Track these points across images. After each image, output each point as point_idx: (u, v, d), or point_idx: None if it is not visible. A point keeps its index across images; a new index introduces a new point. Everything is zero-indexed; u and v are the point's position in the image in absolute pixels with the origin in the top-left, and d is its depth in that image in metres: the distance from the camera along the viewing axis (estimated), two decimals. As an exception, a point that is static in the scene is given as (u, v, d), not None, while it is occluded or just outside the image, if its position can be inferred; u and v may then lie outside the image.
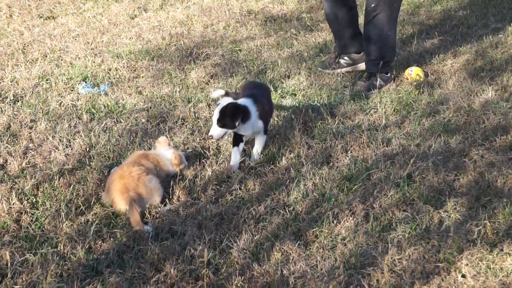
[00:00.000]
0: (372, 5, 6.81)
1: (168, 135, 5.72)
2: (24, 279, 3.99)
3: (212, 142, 5.60)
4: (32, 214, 4.62)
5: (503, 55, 8.07)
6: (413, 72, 7.23)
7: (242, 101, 5.31)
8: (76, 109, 6.23)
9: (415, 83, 7.03)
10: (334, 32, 7.41)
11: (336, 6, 7.14)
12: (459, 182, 5.10)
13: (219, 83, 6.99)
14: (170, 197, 4.87)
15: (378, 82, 6.87)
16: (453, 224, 4.54)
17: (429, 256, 4.25)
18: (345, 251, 4.28)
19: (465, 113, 6.30)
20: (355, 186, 4.97)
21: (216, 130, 5.17)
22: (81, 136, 5.64)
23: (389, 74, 7.09)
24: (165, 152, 5.20)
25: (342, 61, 7.38)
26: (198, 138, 5.73)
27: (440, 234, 4.45)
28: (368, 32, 7.00)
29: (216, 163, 5.28)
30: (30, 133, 5.72)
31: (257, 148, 5.43)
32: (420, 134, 5.86)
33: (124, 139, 5.61)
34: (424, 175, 5.15)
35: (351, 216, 4.63)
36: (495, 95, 6.74)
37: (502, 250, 4.32)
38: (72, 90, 6.65)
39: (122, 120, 6.02)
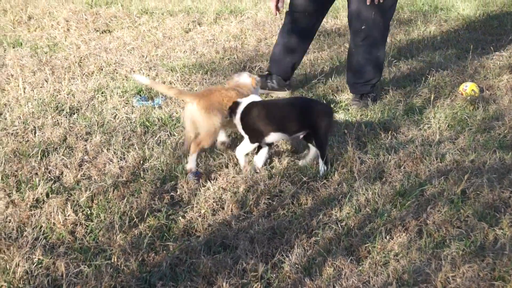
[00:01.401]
0: (362, 27, 6.71)
1: (221, 149, 5.74)
2: (78, 290, 4.03)
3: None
4: (87, 226, 4.67)
5: (560, 70, 7.96)
6: (468, 88, 7.16)
7: None
8: (131, 122, 6.29)
9: (469, 99, 6.96)
10: (279, 57, 7.15)
11: (301, 34, 7.01)
12: (514, 199, 5.04)
13: (272, 96, 7.01)
14: (224, 209, 4.88)
15: (370, 101, 6.84)
16: (508, 242, 4.47)
17: (483, 274, 4.19)
18: (398, 267, 4.25)
19: (521, 129, 6.23)
20: (408, 202, 4.93)
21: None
22: (135, 149, 5.70)
23: (375, 93, 7.04)
24: (243, 79, 5.79)
25: (269, 83, 7.21)
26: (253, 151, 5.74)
27: (495, 251, 4.39)
28: (357, 56, 6.89)
29: (269, 178, 5.28)
30: (85, 145, 5.79)
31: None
32: (474, 150, 5.80)
33: (177, 152, 5.64)
34: (478, 192, 5.09)
35: (404, 232, 4.60)
36: (553, 111, 6.64)
37: (558, 269, 4.25)
38: (126, 103, 6.72)
39: (175, 133, 6.06)
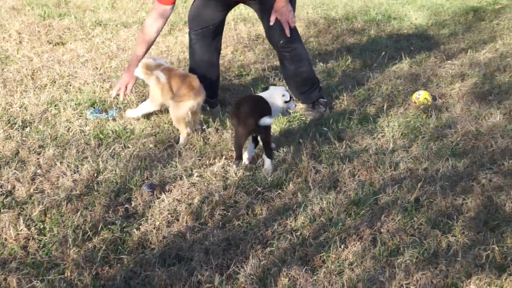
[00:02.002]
0: (281, 42, 6.70)
1: (176, 160, 5.72)
2: (31, 305, 3.99)
3: (219, 167, 5.60)
4: (40, 241, 4.62)
5: (510, 78, 8.09)
6: (421, 96, 7.23)
7: None
8: (84, 135, 6.24)
9: (422, 107, 7.03)
10: (200, 75, 6.87)
11: (208, 50, 6.98)
12: (467, 206, 5.09)
13: (225, 107, 7.01)
14: (178, 220, 4.86)
15: (323, 108, 6.92)
16: (461, 249, 4.52)
17: (437, 281, 4.23)
18: (353, 276, 4.27)
19: (473, 137, 6.30)
20: (363, 211, 4.96)
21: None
22: (89, 161, 5.65)
23: (325, 99, 7.08)
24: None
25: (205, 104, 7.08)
26: (207, 162, 5.73)
27: (448, 258, 4.44)
28: (288, 68, 6.89)
29: (223, 189, 5.27)
30: (38, 159, 5.73)
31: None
32: (427, 158, 5.86)
33: (132, 164, 5.61)
34: (431, 199, 5.14)
35: (358, 241, 4.62)
36: (503, 118, 6.74)
37: (510, 275, 4.30)
38: (80, 116, 6.67)
39: (130, 146, 6.03)
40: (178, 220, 4.87)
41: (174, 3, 6.57)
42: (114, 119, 6.60)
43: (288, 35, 6.60)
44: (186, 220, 4.86)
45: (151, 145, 6.04)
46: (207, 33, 6.87)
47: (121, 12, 11.14)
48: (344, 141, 6.17)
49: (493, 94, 7.53)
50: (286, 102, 6.03)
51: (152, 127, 6.43)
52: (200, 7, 6.89)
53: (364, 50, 9.36)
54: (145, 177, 5.46)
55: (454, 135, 6.34)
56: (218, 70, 7.12)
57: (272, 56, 8.84)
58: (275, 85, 7.20)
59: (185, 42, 9.28)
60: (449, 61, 8.95)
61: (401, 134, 6.37)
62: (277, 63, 8.49)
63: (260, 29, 9.96)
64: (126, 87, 6.79)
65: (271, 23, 6.58)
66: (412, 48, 9.58)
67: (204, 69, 6.93)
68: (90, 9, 11.29)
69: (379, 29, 10.63)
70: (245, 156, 5.80)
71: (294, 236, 4.68)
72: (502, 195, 5.23)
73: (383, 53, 9.08)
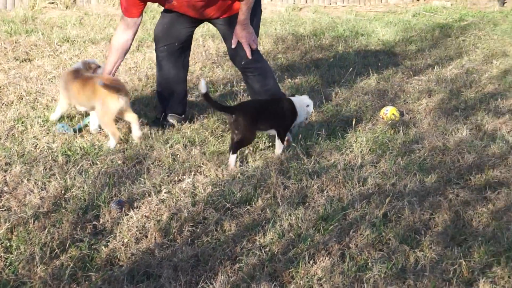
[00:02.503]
0: (243, 63, 6.75)
1: (144, 177, 5.70)
2: (-3, 324, 3.94)
3: (187, 183, 5.59)
4: (6, 259, 4.56)
5: (476, 94, 8.18)
6: (389, 112, 7.28)
7: None
8: (52, 152, 6.20)
9: (390, 122, 7.08)
10: (164, 92, 7.10)
11: (175, 67, 7.00)
12: (434, 221, 5.12)
13: (194, 123, 6.99)
14: (147, 237, 4.84)
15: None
16: (428, 263, 4.54)
17: (405, 296, 4.25)
18: (322, 291, 4.27)
19: (440, 152, 6.35)
20: (331, 226, 4.97)
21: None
22: (56, 178, 5.61)
23: None
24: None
25: (166, 124, 7.03)
26: (176, 178, 5.72)
27: (416, 273, 4.45)
28: (253, 87, 6.93)
29: (192, 205, 5.26)
30: (4, 176, 5.68)
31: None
32: (395, 173, 5.89)
33: (100, 181, 5.58)
34: (400, 215, 5.17)
35: (327, 256, 4.62)
36: (470, 134, 6.81)
37: (478, 289, 4.33)
38: (48, 133, 6.63)
39: (98, 162, 6.00)
40: (146, 236, 4.85)
41: (141, 14, 6.57)
42: (82, 136, 6.57)
43: (250, 57, 6.63)
44: (155, 237, 4.84)
45: (119, 162, 6.01)
46: (174, 50, 6.88)
47: (89, 29, 11.12)
48: (312, 157, 6.19)
49: (459, 109, 7.61)
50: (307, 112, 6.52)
51: (121, 143, 6.40)
52: (166, 23, 6.90)
53: (332, 66, 9.41)
54: (114, 193, 5.43)
55: (421, 151, 6.39)
56: (186, 86, 7.12)
57: (240, 72, 8.85)
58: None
59: (153, 59, 9.25)
60: (416, 77, 9.03)
61: (369, 150, 6.41)
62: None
63: (228, 45, 9.98)
64: None
65: (233, 46, 6.64)
66: (379, 64, 9.66)
67: (172, 85, 6.93)
68: (58, 26, 11.25)
69: (346, 45, 10.71)
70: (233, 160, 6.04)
71: (263, 252, 4.67)
72: (469, 210, 5.27)
73: (351, 69, 9.15)
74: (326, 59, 9.84)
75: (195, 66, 9.07)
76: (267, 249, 4.71)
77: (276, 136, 6.25)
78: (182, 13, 6.73)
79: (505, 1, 15.98)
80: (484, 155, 6.32)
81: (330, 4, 15.27)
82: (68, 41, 10.16)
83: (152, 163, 6.01)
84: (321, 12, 14.00)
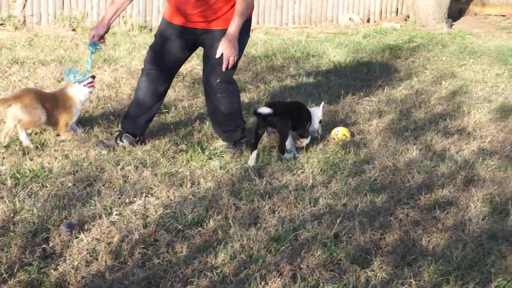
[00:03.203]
0: (218, 81, 6.72)
1: (95, 199, 5.65)
2: None
3: (139, 205, 5.56)
4: (-47, 283, 4.50)
5: (426, 115, 8.28)
6: (340, 132, 7.34)
7: None
8: (0, 175, 6.13)
9: (341, 143, 7.12)
10: (135, 111, 7.06)
11: (155, 93, 6.98)
12: (385, 241, 5.16)
13: (145, 144, 6.96)
14: (98, 260, 4.80)
15: (244, 146, 6.99)
16: (379, 283, 4.58)
17: (356, 316, 4.27)
18: (273, 312, 4.27)
19: (390, 172, 6.41)
20: (283, 247, 4.98)
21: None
22: (5, 202, 5.54)
23: (247, 137, 7.13)
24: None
25: (120, 142, 6.99)
26: (127, 200, 5.69)
27: (367, 293, 4.48)
28: (217, 105, 6.89)
29: (143, 227, 5.23)
30: (-48, 199, 5.61)
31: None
32: (346, 194, 5.93)
33: (50, 204, 5.52)
34: (350, 235, 5.20)
35: (278, 277, 4.62)
36: (419, 154, 6.89)
37: (427, 308, 4.37)
38: (-4, 155, 6.56)
39: (48, 185, 5.94)
40: (97, 259, 4.81)
41: None
42: (31, 159, 6.50)
43: (223, 71, 6.63)
44: (105, 260, 4.80)
45: (69, 184, 5.96)
46: (158, 76, 6.92)
47: (39, 50, 11.03)
48: (264, 178, 6.21)
49: (409, 130, 7.70)
50: (320, 122, 7.16)
51: (71, 165, 6.35)
52: (158, 49, 6.89)
53: (284, 87, 9.46)
54: (64, 216, 5.38)
55: (372, 171, 6.44)
56: (153, 115, 7.13)
57: (192, 94, 8.85)
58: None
59: (104, 80, 9.26)
60: (366, 98, 9.12)
61: (321, 170, 6.44)
62: (197, 100, 8.52)
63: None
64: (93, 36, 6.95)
65: (217, 56, 6.57)
66: (330, 85, 9.74)
67: (142, 109, 6.96)
68: (7, 47, 11.15)
69: (298, 66, 10.78)
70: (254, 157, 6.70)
71: (215, 273, 4.66)
72: (419, 230, 5.32)
73: (302, 90, 9.19)
74: (277, 80, 9.88)
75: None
76: (219, 271, 4.70)
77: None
78: (175, 34, 6.81)
79: (453, 23, 16.23)
80: (433, 175, 6.39)
81: (282, 25, 15.36)
82: (17, 62, 10.07)
83: (103, 185, 5.97)
84: (273, 33, 14.07)
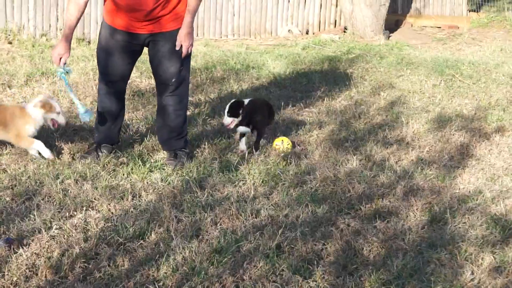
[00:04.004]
0: (173, 80, 6.83)
1: (34, 213, 5.57)
2: None
3: (79, 219, 5.51)
4: None
5: (365, 125, 8.37)
6: (281, 143, 7.37)
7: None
8: None
9: (282, 154, 7.15)
10: (104, 123, 7.08)
11: (118, 101, 7.07)
12: (326, 251, 5.19)
13: (87, 159, 6.90)
14: (37, 275, 4.73)
15: (185, 159, 7.00)
16: (322, 293, 4.60)
17: (299, 326, 4.28)
18: (216, 325, 4.26)
19: (331, 183, 6.46)
20: (225, 259, 4.97)
21: (226, 120, 7.25)
22: None
23: (188, 150, 7.19)
24: None
25: (100, 154, 7.03)
26: (67, 214, 5.62)
27: (310, 303, 4.50)
28: (168, 109, 6.98)
29: (84, 241, 5.18)
30: None
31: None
32: (288, 205, 5.95)
33: (-12, 219, 5.44)
34: (292, 245, 5.22)
35: (221, 289, 4.63)
36: (360, 164, 6.95)
37: (370, 317, 4.40)
38: None
39: (-15, 198, 5.85)
40: (37, 274, 4.74)
41: None
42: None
43: (181, 60, 6.78)
44: (45, 274, 4.73)
45: (7, 198, 5.88)
46: (117, 86, 7.01)
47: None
48: (205, 189, 6.20)
49: (349, 140, 7.76)
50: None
51: (9, 180, 6.26)
52: (109, 59, 6.83)
53: (224, 99, 9.45)
54: (2, 231, 5.30)
55: (313, 181, 6.48)
56: (122, 119, 7.30)
57: (132, 106, 8.80)
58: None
59: (42, 93, 9.12)
60: (307, 109, 9.18)
61: (262, 181, 6.46)
62: (137, 112, 8.47)
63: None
64: (60, 59, 6.73)
65: (177, 47, 6.70)
66: (270, 96, 9.76)
67: (112, 118, 7.05)
68: None
69: (238, 78, 10.79)
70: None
71: (157, 286, 4.64)
72: (360, 239, 5.36)
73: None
74: (217, 92, 9.88)
75: (86, 100, 8.95)
76: (161, 284, 4.68)
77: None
78: (122, 43, 6.77)
79: (390, 35, 16.43)
80: (373, 185, 6.46)
81: (221, 37, 15.37)
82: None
83: (42, 199, 5.89)
84: (212, 45, 14.07)
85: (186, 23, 6.69)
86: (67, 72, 6.83)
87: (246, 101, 7.44)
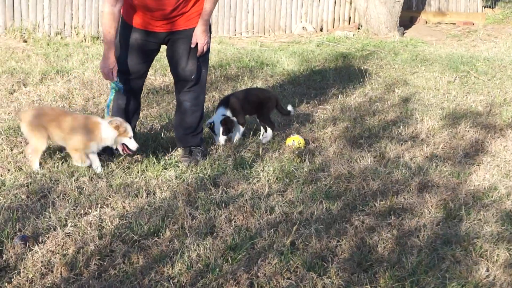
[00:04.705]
0: (193, 76, 6.91)
1: (49, 211, 5.59)
2: None
3: (94, 216, 5.52)
4: None
5: (380, 122, 8.34)
6: (295, 141, 7.36)
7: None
8: (-47, 187, 6.05)
9: (296, 152, 7.15)
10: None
11: (135, 98, 7.11)
12: (341, 248, 5.18)
13: (102, 156, 6.92)
14: (53, 272, 4.75)
15: (200, 156, 7.02)
16: (336, 290, 4.60)
17: (313, 323, 4.28)
18: (231, 321, 4.27)
19: (345, 180, 6.45)
20: (239, 256, 4.98)
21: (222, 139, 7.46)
22: (-43, 214, 5.47)
23: (203, 148, 7.21)
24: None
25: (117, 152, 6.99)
26: (82, 212, 5.64)
27: (324, 300, 4.50)
28: (184, 105, 7.06)
29: (99, 238, 5.19)
30: None
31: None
32: (302, 202, 5.95)
33: (3, 216, 5.46)
34: (307, 242, 5.21)
35: (235, 285, 4.63)
36: (374, 161, 6.94)
37: (384, 313, 4.40)
38: None
39: (0, 197, 5.86)
40: (52, 271, 4.76)
41: None
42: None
43: (198, 57, 6.87)
44: (61, 272, 4.75)
45: (23, 196, 5.90)
46: (136, 82, 7.04)
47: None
48: (220, 187, 6.20)
49: (363, 137, 7.75)
50: None
51: (25, 177, 6.28)
52: (127, 57, 6.84)
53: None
54: (17, 228, 5.32)
55: (327, 178, 6.47)
56: (139, 116, 7.38)
57: (146, 104, 8.81)
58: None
59: (57, 91, 9.18)
60: (321, 106, 9.16)
61: (276, 179, 6.46)
62: (152, 110, 8.48)
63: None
64: (111, 73, 6.74)
65: (193, 45, 6.79)
66: (284, 93, 9.77)
67: (128, 115, 7.08)
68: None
69: (252, 75, 10.80)
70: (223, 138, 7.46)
71: (171, 283, 4.64)
72: (374, 236, 5.36)
73: (257, 99, 9.20)
74: (232, 89, 9.89)
75: (100, 98, 8.99)
76: (176, 281, 4.68)
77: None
78: (142, 39, 6.79)
79: (405, 32, 16.39)
80: (388, 181, 6.44)
81: (235, 35, 15.39)
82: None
83: (57, 197, 5.92)
84: (226, 43, 14.08)
85: (202, 21, 6.73)
86: (118, 89, 6.83)
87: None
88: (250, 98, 7.82)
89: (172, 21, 6.67)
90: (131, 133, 6.64)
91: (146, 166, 6.64)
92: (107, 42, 6.58)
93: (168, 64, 7.19)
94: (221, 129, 7.41)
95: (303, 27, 16.13)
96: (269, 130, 7.75)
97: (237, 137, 7.64)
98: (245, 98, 7.77)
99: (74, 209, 5.69)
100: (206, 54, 6.96)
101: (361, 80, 10.64)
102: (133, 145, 6.63)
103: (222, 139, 7.44)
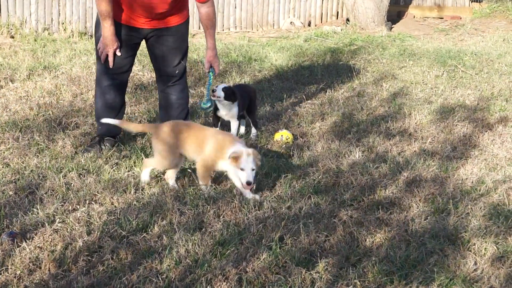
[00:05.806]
0: (177, 72, 7.06)
1: (37, 207, 5.58)
2: None
3: (82, 212, 5.51)
4: None
5: (368, 117, 8.36)
6: (283, 136, 7.36)
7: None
8: None
9: (285, 146, 7.15)
10: (107, 115, 6.97)
11: (119, 94, 7.14)
12: (329, 242, 5.19)
13: (90, 153, 6.90)
14: (41, 268, 4.73)
15: None
16: (324, 285, 4.60)
17: (302, 318, 4.28)
18: (219, 317, 4.27)
19: (334, 174, 6.45)
20: (228, 251, 4.98)
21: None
22: None
23: None
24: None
25: (103, 147, 7.05)
26: (70, 208, 5.63)
27: (313, 295, 4.50)
28: (170, 99, 7.20)
29: (87, 234, 5.18)
30: None
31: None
32: (291, 197, 5.95)
33: (-8, 213, 5.45)
34: (295, 237, 5.22)
35: (224, 281, 4.62)
36: (362, 156, 6.95)
37: (372, 308, 4.40)
38: None
39: (-10, 195, 5.85)
40: (40, 268, 4.75)
41: None
42: None
43: (183, 53, 7.07)
44: (49, 268, 4.74)
45: (10, 192, 5.88)
46: (120, 78, 7.08)
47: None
48: (208, 182, 6.20)
49: (352, 132, 7.76)
50: None
51: (12, 174, 6.26)
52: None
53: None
54: (5, 225, 5.30)
55: (316, 173, 6.47)
56: (124, 111, 7.41)
57: (134, 99, 8.79)
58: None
59: (44, 87, 9.14)
60: (309, 101, 9.17)
61: (265, 174, 6.45)
62: (140, 106, 8.47)
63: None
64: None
65: (207, 71, 7.20)
66: (273, 88, 9.77)
67: (114, 111, 7.10)
68: None
69: (240, 70, 10.78)
70: None
71: (160, 279, 4.64)
72: (363, 231, 5.36)
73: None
74: (220, 84, 9.86)
75: (88, 94, 8.96)
76: (164, 276, 4.68)
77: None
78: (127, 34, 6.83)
79: (392, 26, 16.41)
80: (376, 176, 6.45)
81: (223, 30, 15.37)
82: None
83: (45, 193, 5.90)
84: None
85: (213, 45, 7.03)
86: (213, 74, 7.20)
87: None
88: (244, 94, 7.79)
89: (156, 18, 6.69)
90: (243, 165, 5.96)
91: (135, 162, 6.63)
92: (109, 19, 6.60)
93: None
94: (222, 94, 7.40)
95: (291, 22, 16.12)
96: (254, 129, 7.78)
97: (242, 130, 7.76)
98: (241, 95, 7.72)
99: (62, 205, 5.68)
100: (186, 49, 7.13)
101: (349, 75, 10.64)
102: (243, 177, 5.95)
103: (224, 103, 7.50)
